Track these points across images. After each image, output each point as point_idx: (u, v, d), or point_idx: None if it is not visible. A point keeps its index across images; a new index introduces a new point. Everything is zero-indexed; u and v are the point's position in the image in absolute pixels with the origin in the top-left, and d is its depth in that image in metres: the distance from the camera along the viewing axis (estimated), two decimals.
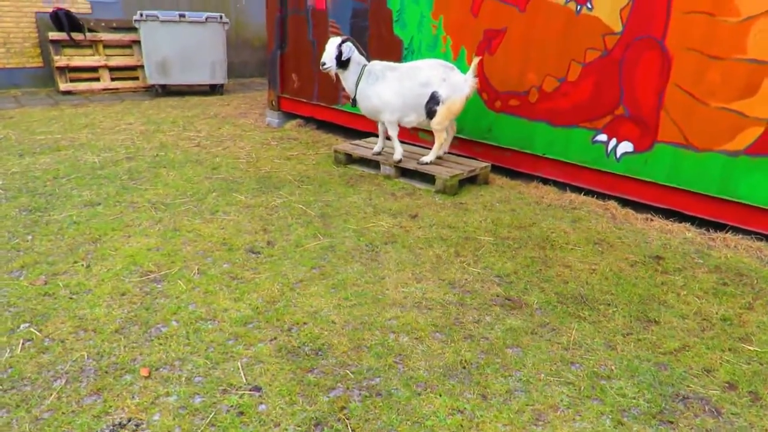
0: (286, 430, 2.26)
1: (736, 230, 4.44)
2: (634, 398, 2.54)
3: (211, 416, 2.32)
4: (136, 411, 2.33)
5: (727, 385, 2.68)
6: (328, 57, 5.04)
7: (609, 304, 3.32)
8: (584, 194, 5.13)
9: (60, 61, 8.96)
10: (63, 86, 9.08)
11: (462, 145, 5.92)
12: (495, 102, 5.61)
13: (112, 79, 9.58)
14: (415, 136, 6.27)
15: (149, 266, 3.52)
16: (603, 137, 4.98)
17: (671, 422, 2.41)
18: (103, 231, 3.99)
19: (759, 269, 3.90)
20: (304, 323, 2.99)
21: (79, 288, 3.24)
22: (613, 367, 2.74)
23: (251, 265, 3.62)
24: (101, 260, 3.57)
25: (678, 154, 4.59)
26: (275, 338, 2.85)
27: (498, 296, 3.35)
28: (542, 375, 2.66)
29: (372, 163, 5.76)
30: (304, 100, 7.35)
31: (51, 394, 2.40)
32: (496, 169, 5.68)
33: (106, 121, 7.40)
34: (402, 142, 5.58)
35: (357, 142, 6.16)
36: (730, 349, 2.95)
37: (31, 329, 2.83)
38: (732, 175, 4.37)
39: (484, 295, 3.35)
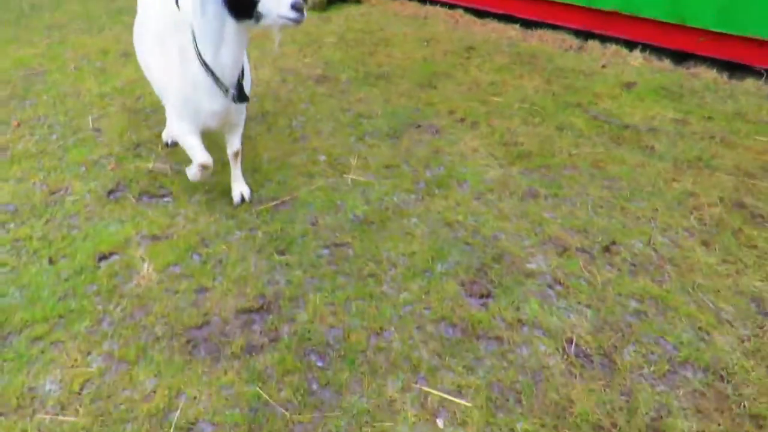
0: (114, 148, 3.17)
1: (555, 28, 5.16)
2: (381, 129, 3.46)
3: (60, 143, 3.21)
4: (5, 143, 3.22)
5: (459, 119, 3.60)
6: None
7: (402, 77, 4.15)
8: (440, 6, 5.75)
9: None
10: None
11: None
12: None
13: None
14: None
15: (33, 65, 4.26)
16: None
17: (398, 137, 3.35)
18: None
19: (551, 53, 4.69)
20: (151, 94, 3.82)
21: None
22: (377, 111, 3.64)
23: (122, 62, 4.35)
24: None
25: None
26: (123, 103, 3.69)
27: (316, 75, 4.16)
28: (320, 116, 3.56)
29: None
30: None
31: None
32: None
33: None
34: None
35: None
36: (480, 100, 3.84)
37: None
38: None
39: (304, 75, 4.16)
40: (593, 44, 4.86)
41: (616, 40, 4.85)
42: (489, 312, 2.19)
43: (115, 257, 2.39)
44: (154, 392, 1.84)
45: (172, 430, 1.73)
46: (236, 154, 2.64)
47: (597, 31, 4.94)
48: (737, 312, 2.23)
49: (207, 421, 1.76)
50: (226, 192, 2.79)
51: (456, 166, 3.10)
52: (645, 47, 4.72)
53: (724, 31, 4.28)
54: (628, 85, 4.15)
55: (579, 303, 2.25)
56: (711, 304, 2.26)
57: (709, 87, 4.16)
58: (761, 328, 2.17)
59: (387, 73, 4.21)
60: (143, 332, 2.05)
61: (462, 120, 3.59)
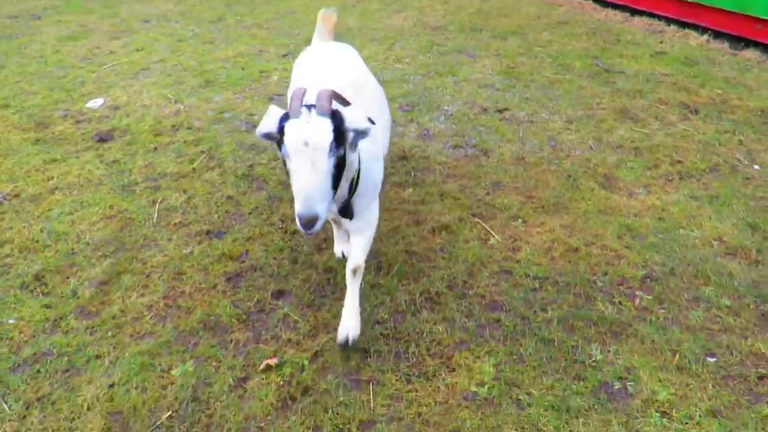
0: (269, 65, 5.90)
1: (654, 16, 6.16)
2: (441, 49, 5.41)
3: (238, 61, 6.08)
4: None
5: (495, 54, 5.30)
6: (317, 192, 1.68)
7: (489, 32, 5.94)
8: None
9: None
10: None
11: None
12: None
13: None
14: None
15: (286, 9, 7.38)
16: None
17: (442, 55, 5.27)
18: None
19: (627, 31, 5.83)
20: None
21: (251, 13, 7.28)
22: (448, 44, 5.58)
23: None
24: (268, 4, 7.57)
25: None
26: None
27: (435, 25, 6.26)
28: (409, 40, 5.69)
29: None
30: None
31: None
32: None
33: None
34: None
35: None
36: (525, 49, 5.42)
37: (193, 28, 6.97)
38: None
39: (427, 24, 6.29)
40: (673, 29, 5.79)
41: (696, 27, 5.69)
42: (407, 117, 4.12)
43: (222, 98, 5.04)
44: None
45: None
46: (354, 271, 2.21)
47: (681, 19, 5.83)
48: (535, 141, 3.70)
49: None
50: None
51: (461, 69, 4.92)
52: (716, 33, 5.50)
53: None
54: (658, 54, 5.18)
55: (451, 123, 4.00)
56: (522, 135, 3.76)
57: (733, 62, 4.91)
58: (542, 150, 3.62)
59: (481, 28, 6.07)
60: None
61: (497, 55, 5.30)
